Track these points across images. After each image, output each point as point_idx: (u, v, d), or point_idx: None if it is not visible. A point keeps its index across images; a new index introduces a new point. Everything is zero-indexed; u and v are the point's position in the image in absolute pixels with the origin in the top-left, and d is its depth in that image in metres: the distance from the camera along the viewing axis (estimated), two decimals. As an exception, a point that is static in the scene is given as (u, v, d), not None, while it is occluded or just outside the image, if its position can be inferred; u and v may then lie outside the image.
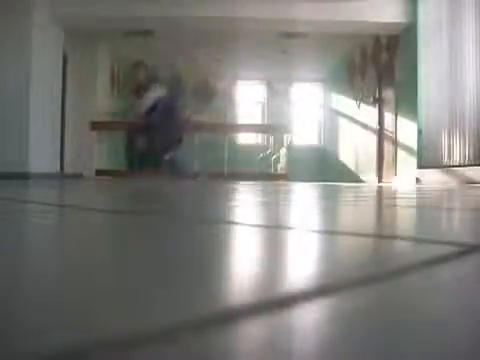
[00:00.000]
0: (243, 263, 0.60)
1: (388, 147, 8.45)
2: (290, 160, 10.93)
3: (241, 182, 6.88)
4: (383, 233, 1.00)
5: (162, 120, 5.42)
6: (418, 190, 4.20)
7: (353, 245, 0.78)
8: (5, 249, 0.68)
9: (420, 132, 7.15)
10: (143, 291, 0.43)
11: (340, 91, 11.24)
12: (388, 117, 8.45)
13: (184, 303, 0.39)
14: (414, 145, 7.33)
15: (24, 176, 6.40)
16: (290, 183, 7.47)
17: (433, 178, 6.61)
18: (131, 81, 5.86)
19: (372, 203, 2.17)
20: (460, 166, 6.09)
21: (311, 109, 13.08)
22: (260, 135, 12.06)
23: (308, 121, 13.06)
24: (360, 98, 9.75)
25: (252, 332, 0.32)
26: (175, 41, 9.01)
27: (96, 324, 0.32)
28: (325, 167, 12.03)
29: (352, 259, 0.63)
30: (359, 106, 9.90)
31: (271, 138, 11.55)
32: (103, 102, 9.85)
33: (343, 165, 11.04)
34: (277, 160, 10.86)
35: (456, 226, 1.17)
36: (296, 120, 12.79)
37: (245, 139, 12.35)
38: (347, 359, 0.27)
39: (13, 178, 5.99)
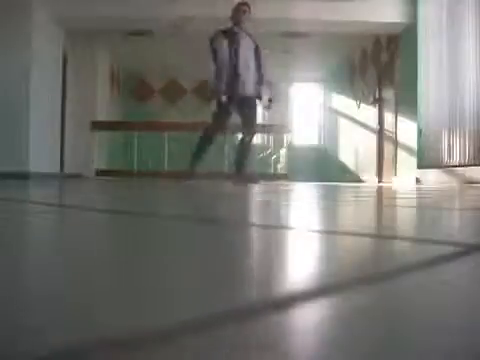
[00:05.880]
0: (243, 263, 0.60)
1: (388, 147, 8.45)
2: (290, 160, 10.92)
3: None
4: (383, 233, 1.00)
5: None
6: (418, 190, 4.20)
7: (353, 245, 0.78)
8: (5, 249, 0.68)
9: (420, 132, 7.15)
10: (143, 291, 0.43)
11: (340, 91, 11.24)
12: (388, 117, 8.45)
13: (184, 303, 0.39)
14: (414, 145, 7.33)
15: (24, 176, 6.40)
16: (290, 183, 7.47)
17: (433, 178, 6.61)
18: None
19: (372, 203, 2.17)
20: (460, 166, 6.09)
21: (311, 109, 13.07)
22: (260, 135, 12.05)
23: (308, 121, 13.05)
24: (360, 98, 9.75)
25: (252, 332, 0.32)
26: (175, 41, 9.01)
27: (97, 324, 0.32)
28: (325, 167, 12.03)
29: (352, 259, 0.63)
30: (359, 106, 9.90)
31: (271, 138, 11.55)
32: (103, 102, 9.84)
33: (343, 165, 11.04)
34: (277, 160, 10.86)
35: (456, 226, 1.16)
36: (296, 120, 12.79)
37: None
38: (348, 359, 0.27)
39: (13, 178, 5.99)
